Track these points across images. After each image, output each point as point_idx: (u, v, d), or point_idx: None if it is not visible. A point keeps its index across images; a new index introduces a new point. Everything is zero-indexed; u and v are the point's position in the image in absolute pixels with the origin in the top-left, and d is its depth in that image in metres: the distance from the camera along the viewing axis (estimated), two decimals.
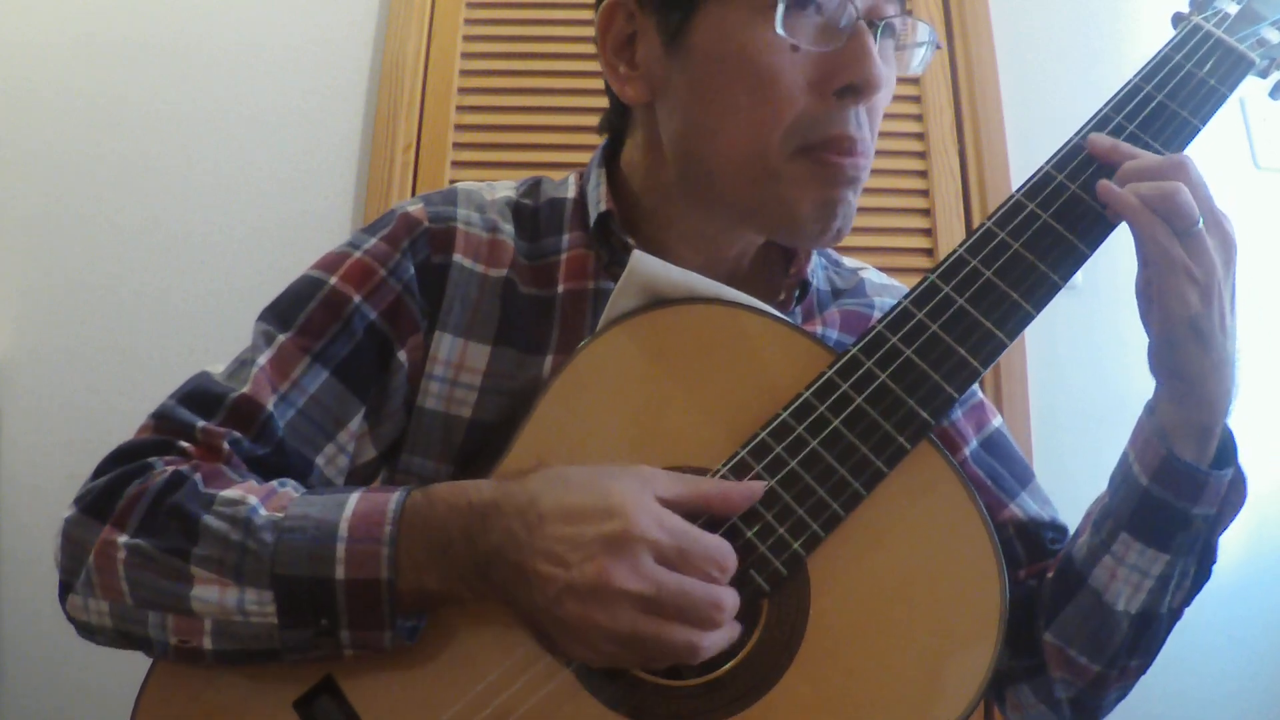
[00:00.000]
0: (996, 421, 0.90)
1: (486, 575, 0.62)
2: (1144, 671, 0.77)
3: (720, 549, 0.61)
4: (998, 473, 0.86)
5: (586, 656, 0.61)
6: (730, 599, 0.61)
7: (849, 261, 0.96)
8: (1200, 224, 0.67)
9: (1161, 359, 0.71)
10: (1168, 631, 0.76)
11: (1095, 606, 0.74)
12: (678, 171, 0.80)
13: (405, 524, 0.64)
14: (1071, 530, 0.84)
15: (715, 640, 0.61)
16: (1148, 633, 0.75)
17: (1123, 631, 0.74)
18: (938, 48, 0.82)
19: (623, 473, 0.63)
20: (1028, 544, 0.84)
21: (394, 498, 0.65)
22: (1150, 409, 0.73)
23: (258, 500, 0.66)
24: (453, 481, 0.67)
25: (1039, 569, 0.83)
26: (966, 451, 0.86)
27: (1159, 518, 0.71)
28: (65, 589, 0.68)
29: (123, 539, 0.66)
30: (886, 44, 0.76)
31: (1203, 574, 0.75)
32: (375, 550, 0.63)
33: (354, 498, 0.66)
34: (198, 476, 0.67)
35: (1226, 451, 0.72)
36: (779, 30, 0.71)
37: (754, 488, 0.66)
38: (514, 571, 0.61)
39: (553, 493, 0.62)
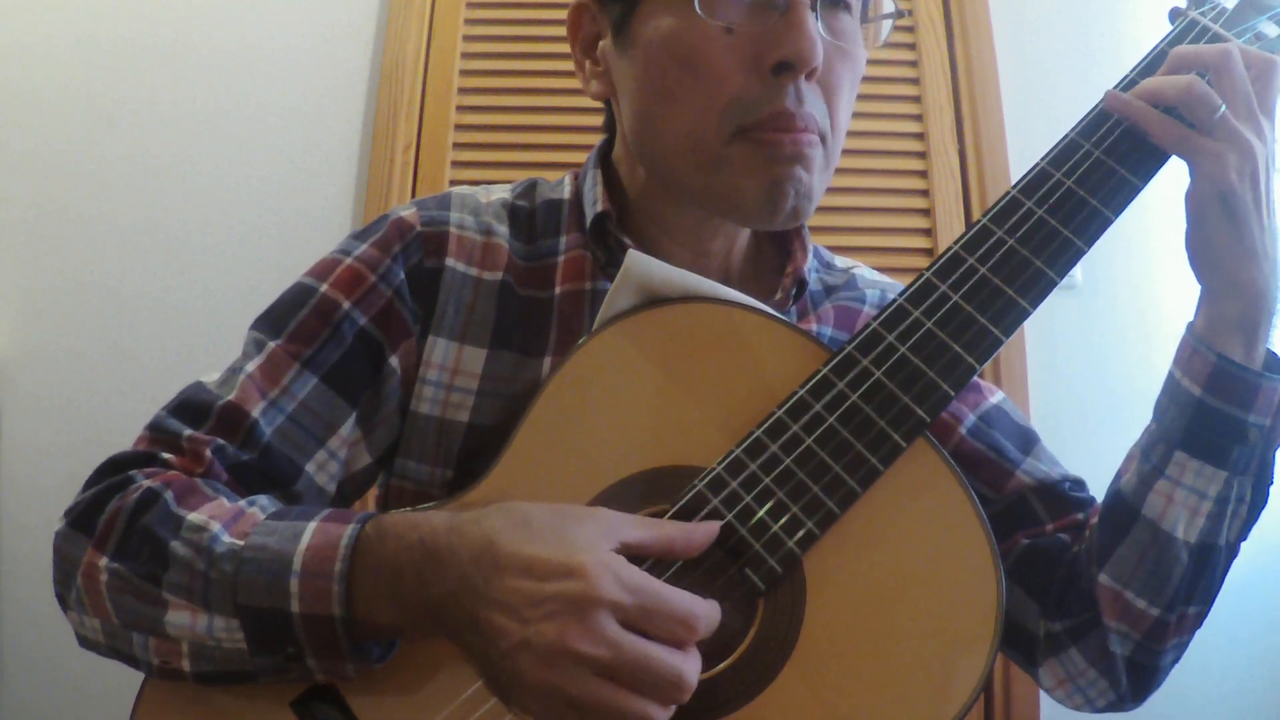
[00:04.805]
0: (994, 399, 0.88)
1: (439, 618, 0.61)
2: (1200, 623, 0.75)
3: (687, 607, 0.58)
4: (999, 444, 0.84)
5: (536, 712, 0.59)
6: (693, 672, 0.58)
7: (841, 261, 0.95)
8: (1222, 110, 0.69)
9: (1194, 245, 0.73)
10: (1225, 571, 0.74)
11: (1153, 538, 0.73)
12: (641, 163, 0.82)
13: (358, 559, 0.62)
14: (1088, 484, 0.84)
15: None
16: (1207, 568, 0.73)
17: (1183, 565, 0.72)
18: (899, 15, 0.82)
19: (585, 518, 0.62)
20: (1045, 500, 0.82)
21: (348, 531, 0.64)
22: (1191, 324, 0.74)
23: (220, 526, 0.65)
24: (406, 512, 0.66)
25: (1067, 521, 0.81)
26: (963, 430, 0.85)
27: (1214, 430, 0.71)
28: (61, 601, 0.69)
29: (103, 561, 0.66)
30: (842, 17, 0.76)
31: (1260, 498, 0.73)
32: (327, 586, 0.62)
33: (310, 528, 0.64)
34: (169, 495, 0.67)
35: (1276, 363, 0.72)
36: (698, 11, 0.72)
37: (712, 527, 0.64)
38: (467, 619, 0.59)
39: (512, 538, 0.60)
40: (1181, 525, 0.72)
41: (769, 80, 0.72)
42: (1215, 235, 0.71)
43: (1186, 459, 0.72)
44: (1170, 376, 0.74)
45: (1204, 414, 0.71)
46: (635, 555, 0.61)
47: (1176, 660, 0.77)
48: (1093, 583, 0.76)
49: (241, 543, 0.64)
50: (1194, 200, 0.72)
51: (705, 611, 0.59)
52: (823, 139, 0.75)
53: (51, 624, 1.52)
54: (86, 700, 1.59)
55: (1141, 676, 0.77)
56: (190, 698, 0.67)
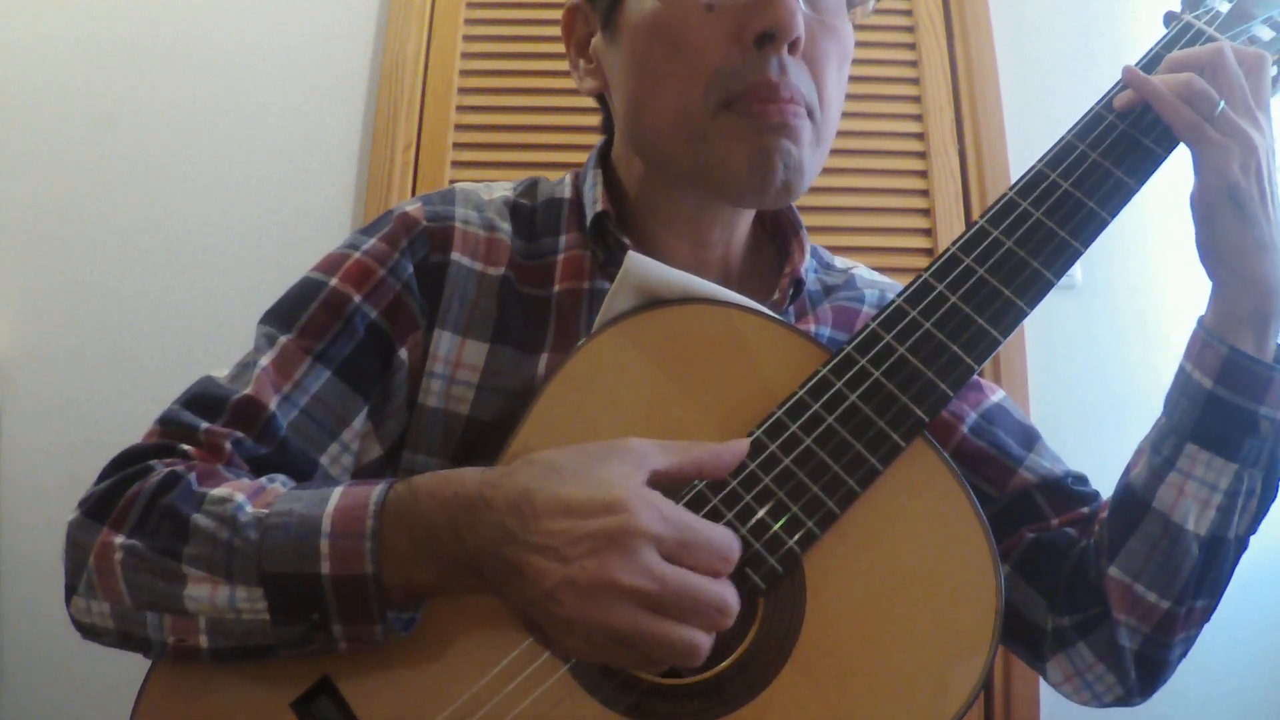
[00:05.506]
0: (995, 397, 0.88)
1: (477, 570, 0.61)
2: (1208, 617, 0.76)
3: (724, 540, 0.59)
4: (1001, 441, 0.85)
5: (583, 652, 0.60)
6: (735, 599, 0.59)
7: (840, 262, 0.96)
8: (1221, 107, 0.70)
9: (1204, 241, 0.73)
10: (1234, 564, 0.75)
11: (1163, 530, 0.73)
12: (635, 152, 0.83)
13: (388, 517, 0.63)
14: (1090, 481, 0.85)
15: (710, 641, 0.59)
16: (1216, 561, 0.74)
17: (1193, 557, 0.73)
18: None
19: (613, 453, 0.62)
20: (1049, 496, 0.83)
21: (376, 490, 0.64)
22: (1201, 318, 0.75)
23: (244, 497, 0.65)
24: (436, 472, 0.66)
25: (1072, 516, 0.82)
26: (965, 428, 0.85)
27: (1226, 422, 0.72)
28: (70, 591, 0.69)
29: (119, 540, 0.66)
30: None
31: (1270, 491, 0.74)
32: (358, 545, 0.62)
33: (337, 491, 0.65)
34: (192, 476, 0.67)
35: None
36: None
37: (741, 445, 0.66)
38: (507, 567, 0.59)
39: (545, 484, 0.60)
40: (1192, 518, 0.73)
41: (751, 52, 0.73)
42: (1224, 231, 0.72)
43: (1197, 451, 0.72)
44: (1181, 370, 0.75)
45: (1215, 406, 0.72)
46: (666, 482, 0.62)
47: (1184, 654, 0.77)
48: (1102, 576, 0.76)
49: (266, 511, 0.64)
50: (1201, 198, 0.72)
51: (737, 543, 0.60)
52: (810, 113, 0.75)
53: (51, 624, 1.52)
54: (86, 700, 1.59)
55: (1150, 670, 0.77)
56: (190, 698, 0.67)
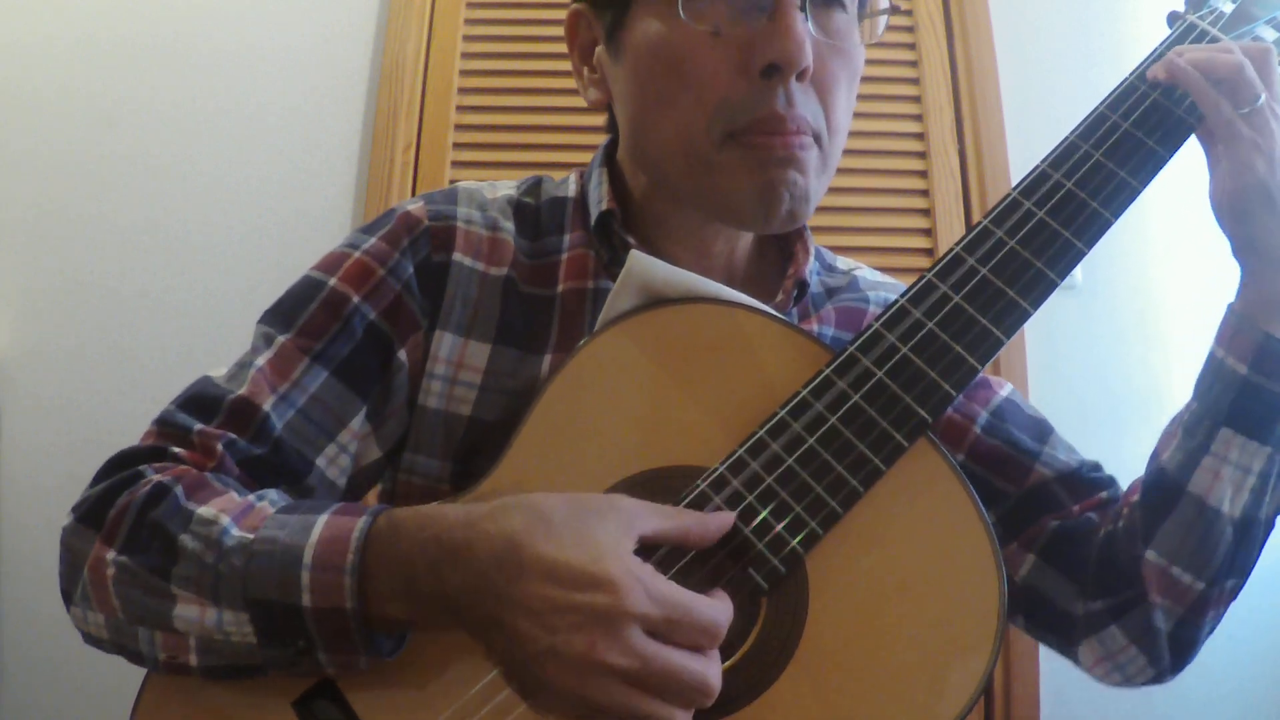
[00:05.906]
0: (1004, 391, 0.88)
1: (457, 613, 0.61)
2: (1235, 596, 0.76)
3: (710, 615, 0.59)
4: (1014, 438, 0.85)
5: (557, 713, 0.60)
6: (716, 678, 0.59)
7: (843, 263, 0.95)
8: (1262, 100, 0.71)
9: (1237, 236, 0.74)
10: (1263, 544, 0.75)
11: (1199, 513, 0.74)
12: (639, 168, 0.82)
13: (369, 552, 0.62)
14: (1104, 466, 0.85)
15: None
16: (1247, 541, 0.74)
17: (1227, 539, 0.74)
18: (895, 11, 0.82)
19: (604, 513, 0.61)
20: (1067, 486, 0.83)
21: (359, 524, 0.63)
22: (1231, 305, 0.75)
23: (230, 519, 0.65)
24: (418, 508, 0.65)
25: (1092, 502, 0.82)
26: (977, 428, 0.85)
27: (1260, 406, 0.72)
28: (66, 598, 0.69)
29: (111, 555, 0.66)
30: (835, 15, 0.76)
31: None
32: (338, 580, 0.61)
33: (321, 521, 0.64)
34: (179, 489, 0.67)
35: None
36: (682, 16, 0.72)
37: (726, 517, 0.65)
38: (489, 620, 0.59)
39: (533, 539, 0.59)
40: (1227, 501, 0.73)
41: (758, 82, 0.72)
42: (1260, 226, 0.72)
43: (1232, 435, 0.73)
44: (1211, 356, 0.75)
45: (1250, 391, 0.72)
46: (652, 545, 0.62)
47: (1212, 632, 0.78)
48: (1138, 560, 0.76)
49: (251, 536, 0.64)
50: (1237, 197, 0.72)
51: (726, 618, 0.60)
52: (817, 139, 0.75)
53: (51, 624, 1.53)
54: (86, 700, 1.59)
55: (1181, 650, 0.78)
56: (190, 698, 0.67)
